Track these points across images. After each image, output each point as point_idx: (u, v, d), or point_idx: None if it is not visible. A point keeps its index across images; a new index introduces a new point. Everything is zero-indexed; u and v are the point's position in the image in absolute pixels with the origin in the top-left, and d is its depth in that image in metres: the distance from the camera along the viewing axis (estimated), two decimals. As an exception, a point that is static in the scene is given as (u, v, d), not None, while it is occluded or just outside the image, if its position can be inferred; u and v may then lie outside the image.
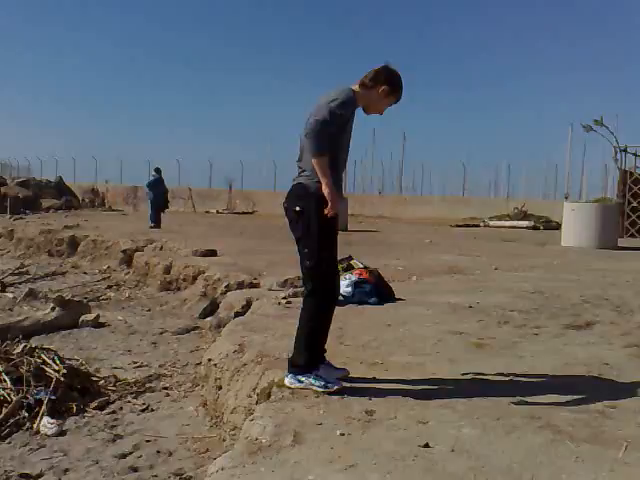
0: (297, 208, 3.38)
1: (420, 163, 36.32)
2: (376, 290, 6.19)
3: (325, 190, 3.23)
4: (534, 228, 21.65)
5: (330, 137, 3.25)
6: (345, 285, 6.06)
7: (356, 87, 3.44)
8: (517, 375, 3.78)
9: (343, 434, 2.83)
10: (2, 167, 39.68)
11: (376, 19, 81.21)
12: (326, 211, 3.25)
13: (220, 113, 74.54)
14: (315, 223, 3.32)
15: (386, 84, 3.43)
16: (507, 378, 3.73)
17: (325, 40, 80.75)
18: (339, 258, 6.71)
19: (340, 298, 6.00)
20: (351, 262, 6.70)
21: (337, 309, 5.57)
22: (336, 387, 3.37)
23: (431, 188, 36.92)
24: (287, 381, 3.47)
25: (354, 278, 6.20)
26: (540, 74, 73.46)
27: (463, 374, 3.78)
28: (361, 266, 6.57)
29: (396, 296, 6.37)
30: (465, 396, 3.35)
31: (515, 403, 3.25)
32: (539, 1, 73.67)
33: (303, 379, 3.41)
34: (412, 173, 37.07)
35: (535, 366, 3.99)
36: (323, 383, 3.37)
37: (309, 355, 3.42)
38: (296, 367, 3.45)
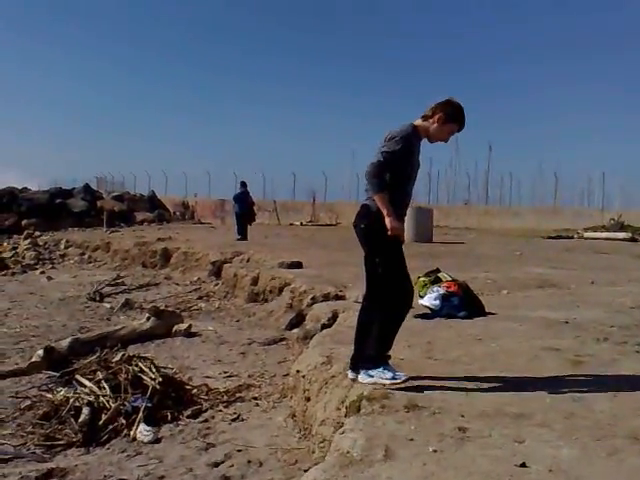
0: (362, 226, 3.77)
1: (508, 173, 35.45)
2: (465, 303, 6.05)
3: (386, 220, 3.58)
4: (632, 240, 20.54)
5: (391, 173, 3.61)
6: (433, 298, 5.98)
7: (418, 121, 3.80)
8: (618, 394, 3.59)
9: (436, 451, 2.78)
10: (98, 182, 41.80)
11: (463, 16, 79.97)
12: (389, 233, 3.59)
13: (303, 126, 75.65)
14: (380, 236, 3.63)
15: (442, 112, 3.74)
16: (607, 397, 3.55)
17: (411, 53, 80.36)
18: (427, 270, 6.71)
19: (428, 311, 5.94)
20: (439, 275, 6.58)
21: (425, 323, 5.60)
22: (403, 378, 3.62)
23: (520, 198, 35.90)
24: (359, 378, 3.75)
25: (442, 291, 6.09)
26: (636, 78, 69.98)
27: (560, 392, 3.62)
28: (449, 279, 6.44)
29: (486, 310, 6.21)
30: (563, 415, 3.22)
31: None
32: None
33: (373, 373, 3.68)
34: (499, 183, 36.21)
35: (637, 385, 3.77)
36: (391, 375, 3.63)
37: (379, 351, 3.72)
38: (367, 361, 3.74)
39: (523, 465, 2.59)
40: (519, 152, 58.46)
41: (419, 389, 3.61)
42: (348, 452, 2.83)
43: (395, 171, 3.64)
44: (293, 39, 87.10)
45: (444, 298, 6.03)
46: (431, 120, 3.76)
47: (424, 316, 5.77)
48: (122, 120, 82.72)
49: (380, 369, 3.67)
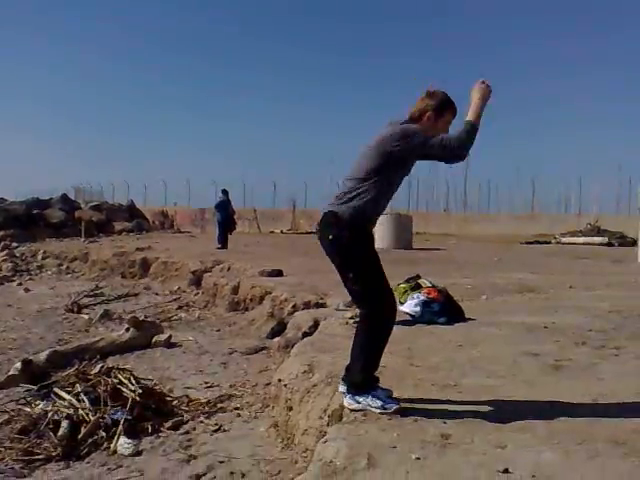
0: (330, 237, 3.42)
1: (486, 179, 35.82)
2: (445, 309, 6.08)
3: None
4: (608, 244, 20.91)
5: (395, 171, 3.39)
6: (413, 304, 5.99)
7: (415, 126, 3.41)
8: (598, 398, 3.62)
9: (419, 458, 2.77)
10: (76, 192, 41.38)
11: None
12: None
13: (282, 134, 75.85)
14: (352, 249, 3.38)
15: (430, 109, 3.39)
16: (588, 401, 3.58)
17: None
18: (407, 277, 6.73)
19: (408, 318, 5.96)
20: (419, 281, 6.61)
21: (405, 329, 5.61)
22: (394, 408, 3.35)
23: (498, 205, 36.27)
24: (345, 402, 3.49)
25: (422, 297, 6.11)
26: (609, 81, 71.21)
27: (541, 397, 3.64)
28: (429, 285, 6.47)
29: (466, 316, 6.24)
30: (544, 420, 3.23)
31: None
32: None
33: (361, 400, 3.42)
34: (478, 190, 36.56)
35: (617, 389, 3.81)
36: (380, 404, 3.37)
37: (365, 375, 3.45)
38: (353, 387, 3.47)
39: (506, 471, 2.60)
40: (497, 159, 59.12)
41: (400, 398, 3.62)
42: (331, 461, 2.81)
43: (398, 171, 3.40)
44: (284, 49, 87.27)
45: (424, 304, 6.05)
46: (422, 122, 3.38)
47: (404, 322, 5.78)
48: (100, 129, 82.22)
49: (368, 397, 3.38)
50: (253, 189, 38.42)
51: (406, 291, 6.36)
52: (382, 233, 16.41)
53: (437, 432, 3.06)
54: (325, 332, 6.00)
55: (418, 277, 6.81)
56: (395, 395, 3.55)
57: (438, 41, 79.96)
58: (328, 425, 3.56)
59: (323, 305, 8.06)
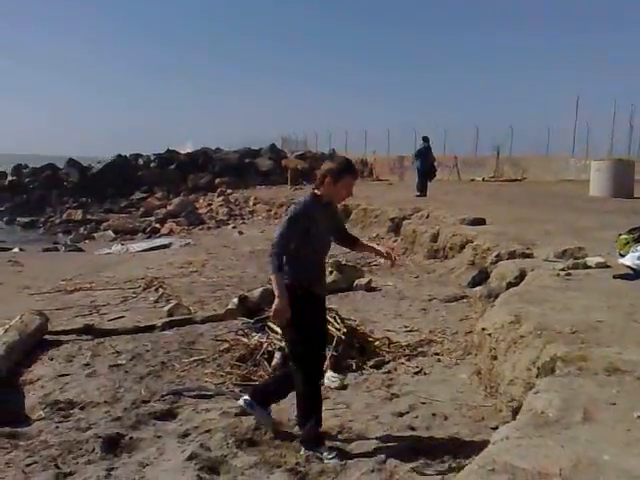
0: None
1: None
2: (675, 263, 5.44)
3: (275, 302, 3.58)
4: None
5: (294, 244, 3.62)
6: (636, 257, 5.46)
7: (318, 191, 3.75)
8: None
9: (641, 417, 2.55)
10: (283, 142, 43.70)
11: None
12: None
13: (487, 77, 72.68)
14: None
15: (328, 176, 3.68)
16: None
17: None
18: (630, 227, 6.15)
19: (629, 272, 5.46)
20: (644, 232, 6.00)
21: (626, 284, 5.15)
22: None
23: None
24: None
25: (647, 249, 5.54)
26: None
27: None
28: (656, 236, 5.84)
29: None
30: None
31: None
32: None
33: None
34: None
35: None
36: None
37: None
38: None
39: None
40: None
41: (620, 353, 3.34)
42: (542, 412, 2.69)
43: (297, 242, 3.63)
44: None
45: (649, 257, 5.48)
46: (323, 188, 3.72)
47: (625, 277, 5.31)
48: (307, 83, 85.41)
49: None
50: (454, 135, 37.16)
51: (628, 242, 5.82)
52: (599, 181, 15.08)
53: (664, 393, 2.79)
54: (533, 283, 5.72)
55: (643, 228, 6.18)
56: (613, 353, 3.28)
57: None
58: (537, 377, 3.42)
59: (529, 256, 7.67)
